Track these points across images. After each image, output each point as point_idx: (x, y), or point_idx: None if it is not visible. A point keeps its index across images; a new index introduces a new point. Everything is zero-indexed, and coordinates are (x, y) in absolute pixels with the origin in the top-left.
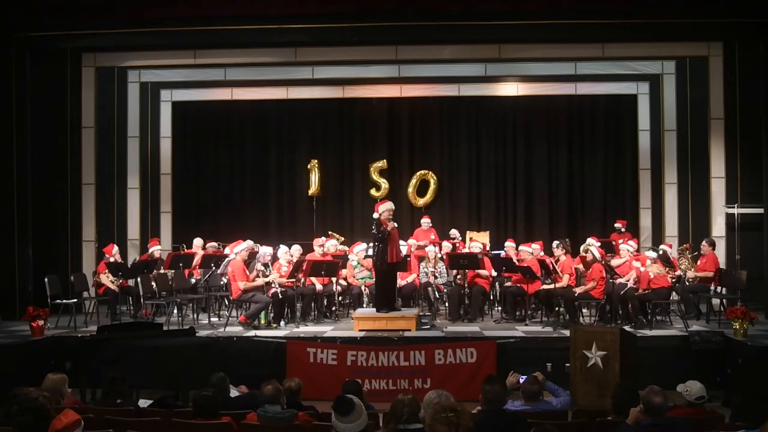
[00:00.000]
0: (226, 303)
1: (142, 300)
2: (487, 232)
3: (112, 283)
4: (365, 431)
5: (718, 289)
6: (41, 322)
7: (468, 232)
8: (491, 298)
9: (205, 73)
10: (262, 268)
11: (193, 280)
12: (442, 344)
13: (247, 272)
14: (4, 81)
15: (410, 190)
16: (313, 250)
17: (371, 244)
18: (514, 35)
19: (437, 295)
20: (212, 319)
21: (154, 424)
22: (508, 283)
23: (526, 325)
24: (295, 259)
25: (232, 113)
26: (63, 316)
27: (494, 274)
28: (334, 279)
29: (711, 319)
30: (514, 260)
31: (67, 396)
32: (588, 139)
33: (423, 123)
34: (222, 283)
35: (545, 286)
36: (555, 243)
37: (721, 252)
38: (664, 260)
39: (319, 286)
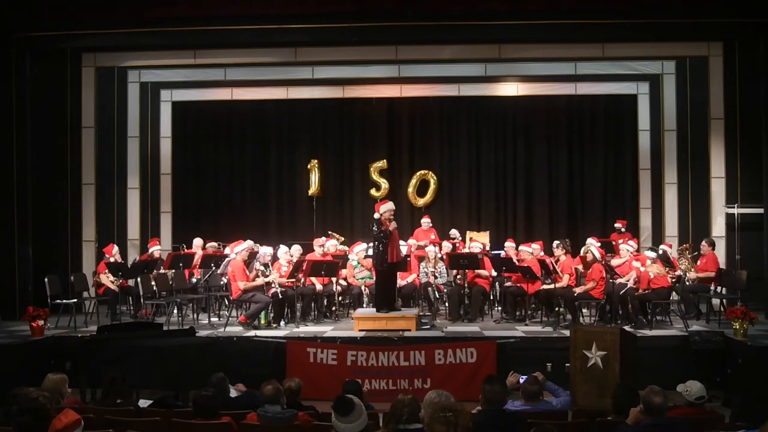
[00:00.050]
0: (226, 303)
1: (142, 300)
2: (487, 232)
3: (112, 283)
4: (365, 431)
5: (718, 289)
6: (41, 322)
7: (468, 232)
8: (491, 298)
9: (205, 73)
10: (262, 267)
11: (194, 279)
12: (442, 344)
13: (247, 272)
14: (4, 81)
15: (410, 190)
16: (313, 250)
17: (371, 244)
18: (514, 35)
19: (437, 295)
20: (212, 319)
21: (154, 424)
22: (508, 283)
23: (526, 325)
24: (295, 259)
25: (232, 113)
26: (63, 316)
27: (494, 274)
28: (334, 279)
29: (711, 319)
30: (514, 260)
31: (67, 396)
32: (588, 139)
33: (423, 123)
34: (222, 283)
35: (545, 286)
36: (555, 243)
37: (721, 252)
38: (664, 260)
39: (319, 286)
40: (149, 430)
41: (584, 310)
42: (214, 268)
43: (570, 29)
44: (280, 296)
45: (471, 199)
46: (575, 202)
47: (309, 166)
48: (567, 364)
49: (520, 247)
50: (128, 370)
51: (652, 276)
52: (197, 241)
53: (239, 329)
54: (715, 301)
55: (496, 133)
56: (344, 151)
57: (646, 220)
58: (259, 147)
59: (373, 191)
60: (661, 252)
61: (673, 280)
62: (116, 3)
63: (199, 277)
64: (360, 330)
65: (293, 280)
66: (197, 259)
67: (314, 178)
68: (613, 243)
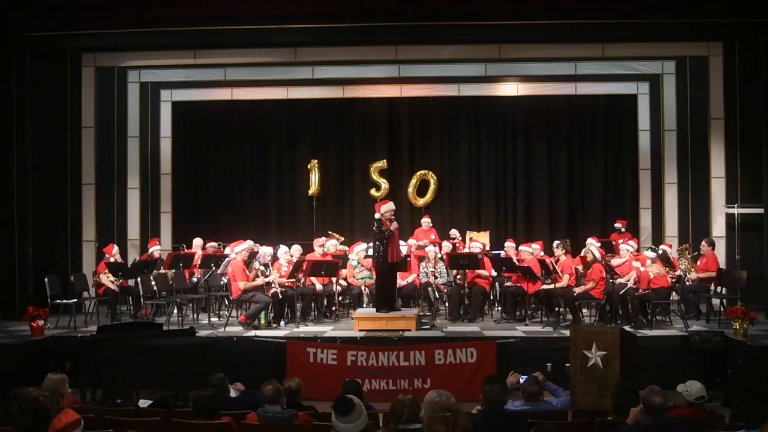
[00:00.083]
0: (226, 303)
1: (142, 300)
2: (487, 232)
3: (112, 283)
4: (365, 431)
5: (718, 289)
6: (41, 322)
7: (468, 232)
8: (491, 298)
9: (205, 73)
10: (262, 267)
11: (195, 279)
12: (442, 344)
13: (247, 272)
14: (4, 81)
15: (410, 190)
16: (313, 250)
17: (371, 244)
18: (514, 35)
19: (437, 295)
20: (212, 319)
21: (154, 424)
22: (508, 283)
23: (526, 325)
24: (295, 259)
25: (232, 113)
26: (63, 316)
27: (494, 274)
28: (334, 279)
29: (711, 319)
30: (514, 260)
31: (67, 396)
32: (588, 139)
33: (423, 123)
34: (222, 283)
35: (545, 286)
36: (555, 243)
37: (721, 252)
38: (664, 260)
39: (319, 286)
40: (149, 430)
41: (584, 310)
42: (214, 268)
43: (570, 29)
44: (280, 296)
45: (471, 199)
46: (575, 202)
47: (309, 166)
48: (567, 364)
49: (520, 247)
50: (128, 370)
51: (652, 276)
52: (197, 241)
53: (239, 329)
54: (715, 301)
55: (496, 133)
56: (344, 151)
57: (646, 220)
58: (259, 147)
59: (373, 191)
60: (660, 252)
61: (673, 280)
62: (116, 3)
63: (199, 276)
64: (360, 330)
65: (293, 280)
66: (197, 259)
67: (314, 178)
68: (613, 243)
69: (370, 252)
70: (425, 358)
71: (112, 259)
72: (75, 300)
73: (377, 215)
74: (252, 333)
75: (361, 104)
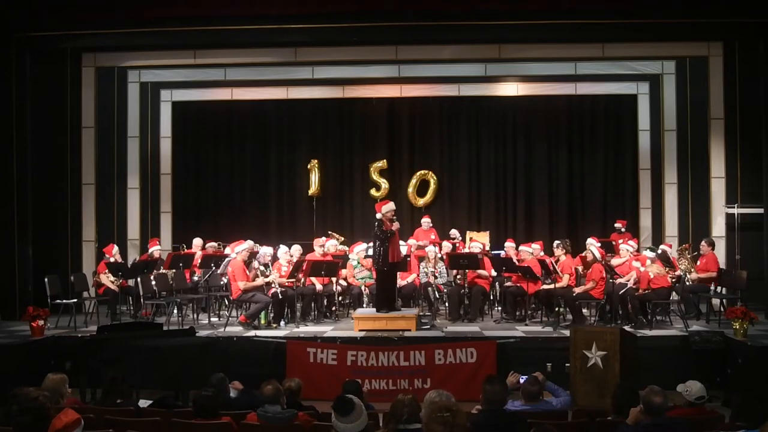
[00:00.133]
0: (226, 303)
1: (142, 300)
2: (487, 232)
3: (112, 283)
4: (365, 431)
5: (718, 289)
6: (41, 322)
7: (468, 232)
8: (491, 298)
9: (205, 73)
10: (262, 268)
11: (196, 277)
12: (442, 344)
13: (247, 272)
14: (4, 81)
15: (410, 190)
16: (313, 250)
17: (371, 244)
18: (514, 35)
19: (437, 295)
20: (212, 319)
21: (154, 424)
22: (508, 283)
23: (526, 325)
24: (295, 259)
25: (232, 113)
26: (63, 316)
27: (494, 274)
28: (334, 279)
29: (711, 319)
30: (514, 260)
31: (67, 396)
32: (588, 139)
33: (423, 123)
34: (222, 283)
35: (545, 286)
36: (555, 243)
37: (721, 252)
38: (664, 260)
39: (319, 286)
40: (149, 430)
41: (584, 310)
42: (214, 268)
43: (570, 29)
44: (280, 296)
45: (471, 199)
46: (575, 202)
47: (309, 166)
48: (567, 364)
49: (520, 247)
50: (128, 370)
51: (652, 276)
52: (197, 241)
53: (239, 329)
54: (715, 301)
55: (496, 133)
56: (344, 151)
57: (646, 220)
58: (259, 147)
59: (373, 191)
60: (660, 252)
61: (673, 280)
62: (116, 3)
63: (200, 275)
64: (360, 330)
65: (293, 280)
66: (197, 259)
67: (314, 178)
68: (613, 243)
69: (370, 252)
70: (425, 358)
71: (112, 259)
72: (75, 300)
73: (378, 215)
74: (252, 333)
75: (361, 104)
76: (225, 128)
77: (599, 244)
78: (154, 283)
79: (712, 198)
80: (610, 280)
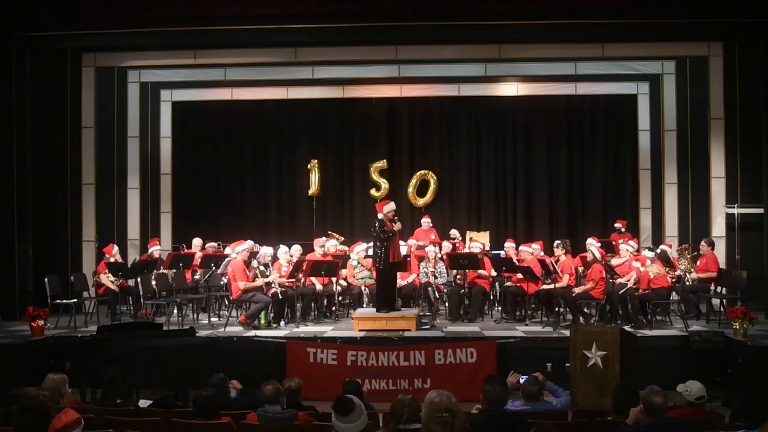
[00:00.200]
0: (226, 303)
1: (142, 300)
2: (487, 232)
3: (112, 283)
4: (365, 431)
5: (718, 289)
6: (41, 322)
7: (468, 232)
8: (491, 298)
9: (205, 73)
10: (262, 268)
11: (197, 277)
12: (442, 344)
13: (247, 272)
14: (4, 81)
15: (410, 190)
16: (313, 250)
17: (371, 244)
18: (514, 35)
19: (437, 295)
20: (212, 319)
21: (154, 424)
22: (508, 283)
23: (526, 325)
24: (295, 259)
25: (232, 113)
26: (63, 316)
27: (494, 274)
28: (334, 279)
29: (711, 319)
30: (514, 260)
31: (67, 396)
32: (588, 139)
33: (423, 123)
34: (222, 283)
35: (545, 286)
36: (555, 243)
37: (721, 252)
38: (664, 260)
39: (319, 286)
40: (149, 430)
41: (584, 310)
42: (214, 268)
43: (570, 29)
44: (280, 296)
45: (471, 199)
46: (575, 202)
47: (309, 166)
48: (567, 364)
49: (521, 248)
50: (128, 370)
51: (651, 276)
52: (196, 241)
53: (239, 329)
54: (715, 301)
55: (496, 133)
56: (344, 151)
57: (646, 220)
58: (259, 147)
59: (373, 191)
60: (659, 251)
61: (673, 280)
62: (116, 3)
63: (201, 273)
64: (360, 330)
65: (293, 280)
66: (197, 259)
67: (314, 178)
68: (613, 243)
69: (370, 252)
70: (425, 358)
71: (112, 259)
72: (75, 300)
73: (380, 215)
74: (252, 333)
75: (361, 104)
76: (225, 128)
77: (599, 244)
78: (154, 283)
79: (712, 198)
80: (610, 280)
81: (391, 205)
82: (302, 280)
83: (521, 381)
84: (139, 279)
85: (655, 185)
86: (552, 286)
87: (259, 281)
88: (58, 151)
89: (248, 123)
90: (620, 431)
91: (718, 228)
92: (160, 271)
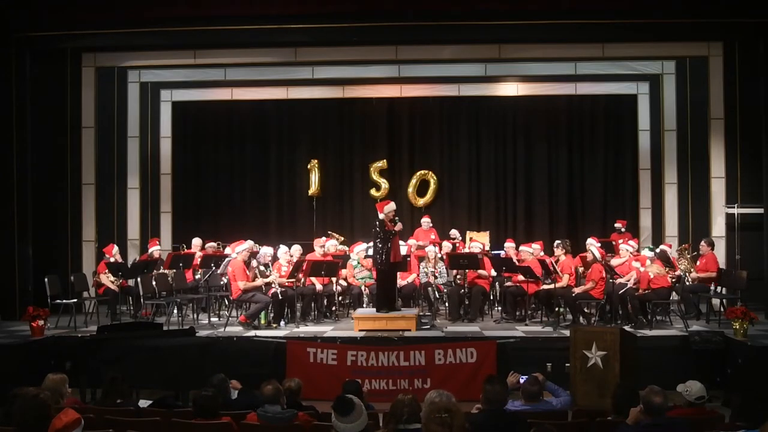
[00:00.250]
0: (226, 303)
1: (142, 300)
2: (487, 232)
3: (112, 283)
4: (365, 431)
5: (718, 289)
6: (41, 322)
7: (468, 232)
8: (491, 298)
9: (205, 73)
10: (262, 267)
11: (197, 276)
12: (442, 344)
13: (247, 272)
14: (4, 81)
15: (410, 190)
16: (313, 250)
17: (371, 244)
18: (514, 35)
19: (437, 295)
20: (212, 319)
21: (154, 424)
22: (508, 283)
23: (526, 325)
24: (295, 259)
25: (232, 113)
26: (63, 316)
27: (494, 274)
28: (334, 279)
29: (711, 319)
30: (514, 260)
31: (67, 396)
32: (588, 139)
33: (423, 123)
34: (222, 283)
35: (545, 286)
36: (555, 243)
37: (721, 252)
38: (664, 260)
39: (319, 286)
40: (149, 430)
41: (584, 310)
42: (214, 268)
43: (570, 29)
44: (280, 296)
45: (471, 199)
46: (575, 202)
47: (309, 166)
48: (567, 364)
49: (521, 248)
50: (128, 370)
51: (651, 276)
52: (196, 241)
53: (239, 329)
54: (715, 301)
55: (496, 133)
56: (344, 151)
57: (646, 220)
58: (259, 147)
59: (373, 191)
60: (658, 251)
61: (673, 280)
62: (116, 3)
63: (201, 273)
64: (360, 330)
65: (293, 280)
66: (197, 259)
67: (314, 178)
68: (613, 243)
69: (370, 252)
70: (425, 358)
71: (112, 259)
72: (75, 300)
73: (381, 216)
74: (252, 333)
75: (361, 104)
76: (225, 128)
77: (599, 244)
78: (154, 283)
79: (712, 198)
80: (610, 280)
81: (391, 205)
82: (302, 280)
83: (521, 381)
84: (139, 279)
85: (655, 185)
86: (552, 286)
87: (259, 281)
88: (58, 151)
89: (248, 123)
90: (620, 431)
91: (718, 228)
92: (160, 271)
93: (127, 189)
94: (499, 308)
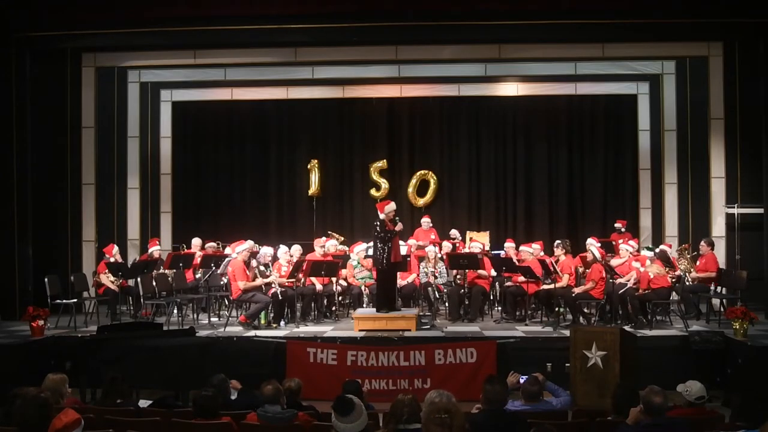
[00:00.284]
0: (226, 303)
1: (142, 300)
2: (487, 232)
3: (112, 283)
4: (365, 431)
5: (718, 289)
6: (41, 322)
7: (468, 232)
8: (491, 298)
9: (205, 73)
10: (262, 267)
11: (198, 276)
12: (442, 344)
13: (247, 272)
14: (4, 81)
15: (410, 190)
16: (313, 250)
17: (371, 244)
18: (514, 35)
19: (437, 295)
20: (212, 319)
21: (154, 424)
22: (508, 283)
23: (526, 325)
24: (295, 259)
25: (232, 113)
26: (63, 316)
27: (494, 274)
28: (334, 279)
29: (711, 319)
30: (514, 260)
31: (67, 396)
32: (588, 139)
33: (423, 123)
34: (222, 283)
35: (545, 286)
36: (556, 243)
37: (721, 252)
38: (664, 260)
39: (319, 286)
40: (149, 430)
41: (584, 310)
42: (214, 268)
43: (570, 29)
44: (280, 296)
45: (471, 199)
46: (575, 202)
47: (309, 166)
48: (567, 364)
49: (521, 248)
50: (128, 370)
51: (651, 276)
52: (195, 241)
53: (239, 329)
54: (715, 301)
55: (496, 133)
56: (344, 151)
57: (646, 220)
58: (259, 147)
59: (373, 191)
60: (659, 251)
61: (673, 280)
62: (116, 3)
63: (201, 271)
64: (360, 330)
65: (293, 280)
66: (197, 258)
67: (314, 178)
68: (613, 243)
69: (370, 252)
70: (425, 358)
71: (112, 259)
72: (75, 300)
73: (382, 216)
74: (252, 333)
75: (361, 104)
76: (225, 128)
77: (599, 244)
78: (154, 283)
79: (712, 198)
80: (610, 280)
81: (392, 206)
82: (302, 280)
83: (521, 381)
84: (139, 279)
85: (655, 185)
86: (552, 286)
87: (259, 281)
88: (58, 151)
89: (248, 123)
90: (620, 431)
91: (718, 228)
92: (160, 271)
93: (127, 189)
94: (499, 308)
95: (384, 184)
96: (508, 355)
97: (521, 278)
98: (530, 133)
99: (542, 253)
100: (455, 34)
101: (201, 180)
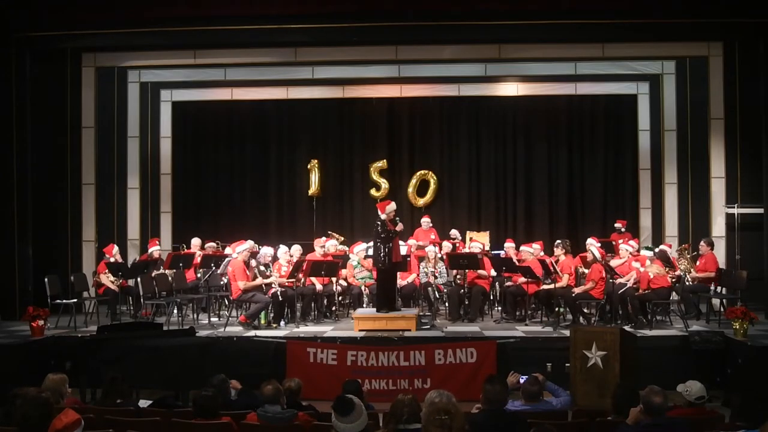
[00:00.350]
0: (226, 303)
1: (142, 300)
2: (487, 232)
3: (112, 283)
4: (365, 431)
5: (718, 289)
6: (41, 322)
7: (468, 232)
8: (491, 298)
9: (205, 73)
10: (261, 267)
11: (198, 275)
12: (442, 344)
13: (247, 272)
14: (4, 81)
15: (410, 190)
16: (313, 250)
17: (371, 244)
18: (514, 35)
19: (437, 295)
20: (212, 319)
21: (154, 424)
22: (508, 283)
23: (526, 325)
24: (295, 259)
25: (232, 113)
26: (63, 316)
27: (494, 274)
28: (334, 279)
29: (711, 319)
30: (515, 260)
31: (67, 396)
32: (588, 139)
33: (423, 123)
34: (222, 283)
35: (545, 286)
36: (556, 243)
37: (721, 252)
38: (664, 260)
39: (319, 286)
40: (149, 430)
41: (584, 310)
42: (214, 268)
43: (570, 29)
44: (280, 296)
45: (471, 199)
46: (575, 202)
47: (309, 166)
48: (567, 364)
49: (521, 248)
50: (128, 370)
51: (651, 276)
52: (195, 241)
53: (239, 329)
54: (715, 301)
55: (496, 133)
56: (344, 151)
57: (646, 220)
58: (259, 147)
59: (373, 191)
60: (659, 251)
61: (673, 280)
62: (116, 3)
63: (201, 271)
64: (360, 330)
65: (293, 280)
66: (197, 258)
67: (314, 178)
68: (613, 243)
69: (370, 252)
70: (425, 358)
71: (112, 259)
72: (75, 300)
73: (383, 216)
74: (252, 333)
75: (361, 104)
76: (225, 128)
77: (599, 244)
78: (154, 283)
79: (712, 198)
80: (610, 280)
81: (392, 206)
82: (302, 280)
83: (521, 381)
84: (139, 279)
85: (655, 185)
86: (552, 286)
87: (259, 281)
88: (58, 151)
89: (248, 123)
90: (620, 431)
91: (718, 228)
92: (160, 271)
93: (127, 189)
94: (499, 308)
95: (384, 184)
96: (508, 355)
97: (521, 278)
98: (530, 133)
99: (542, 253)
100: (455, 34)
101: (201, 180)
